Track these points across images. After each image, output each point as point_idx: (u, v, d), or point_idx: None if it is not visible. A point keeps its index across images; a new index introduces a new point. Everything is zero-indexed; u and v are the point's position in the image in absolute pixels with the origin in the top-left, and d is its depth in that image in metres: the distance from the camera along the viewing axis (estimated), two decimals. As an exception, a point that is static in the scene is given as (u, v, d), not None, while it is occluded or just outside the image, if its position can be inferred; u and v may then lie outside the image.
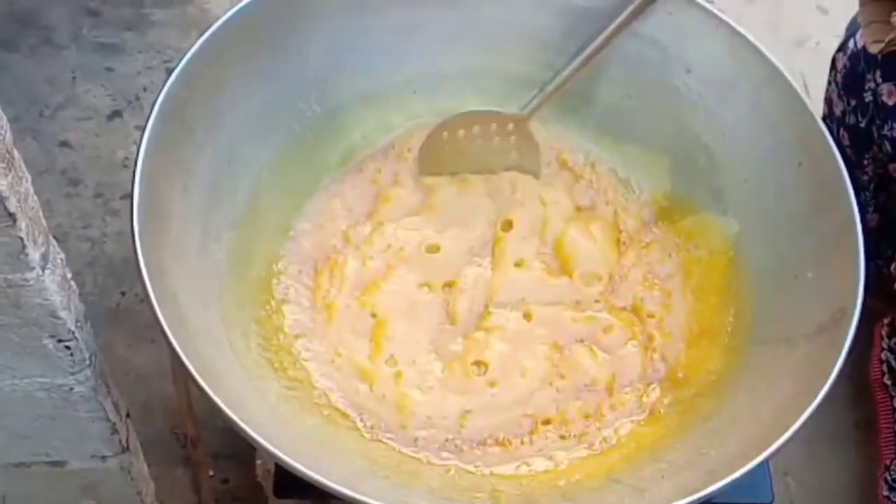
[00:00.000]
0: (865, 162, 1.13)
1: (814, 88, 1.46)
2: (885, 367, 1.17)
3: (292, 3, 0.95)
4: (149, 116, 0.83)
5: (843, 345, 0.79)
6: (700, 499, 0.72)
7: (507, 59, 1.03)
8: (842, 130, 1.13)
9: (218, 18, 0.90)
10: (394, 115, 1.04)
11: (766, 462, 0.75)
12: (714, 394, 0.88)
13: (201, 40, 0.88)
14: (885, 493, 1.14)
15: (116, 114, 1.50)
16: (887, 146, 1.08)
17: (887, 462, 1.14)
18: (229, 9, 0.91)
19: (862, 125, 1.09)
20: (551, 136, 1.04)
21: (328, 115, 1.00)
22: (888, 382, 1.17)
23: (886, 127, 1.06)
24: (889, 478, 1.13)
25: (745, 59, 0.95)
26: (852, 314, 0.80)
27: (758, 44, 0.94)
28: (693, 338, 0.93)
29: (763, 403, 0.82)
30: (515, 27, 1.02)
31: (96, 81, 1.53)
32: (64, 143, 1.47)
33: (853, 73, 1.08)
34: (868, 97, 1.07)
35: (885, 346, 1.17)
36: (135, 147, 0.82)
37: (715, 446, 0.81)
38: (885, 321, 1.16)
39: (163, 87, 0.85)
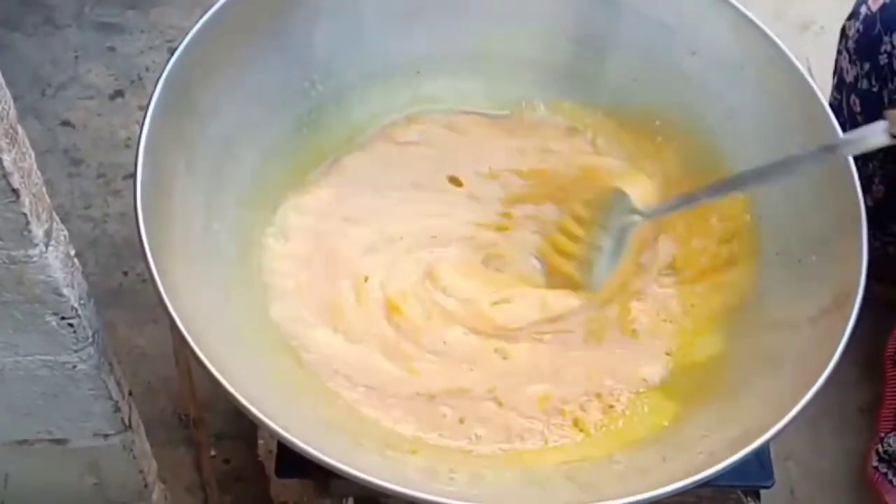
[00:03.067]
0: None
1: (819, 72, 1.44)
2: None
3: (295, -17, 0.94)
4: (151, 96, 0.83)
5: (845, 329, 0.79)
6: (701, 480, 0.72)
7: (511, 41, 1.03)
8: (853, 97, 1.12)
9: (220, -3, 0.90)
10: (398, 94, 1.03)
11: (767, 445, 0.75)
12: (716, 377, 0.88)
13: (204, 19, 0.88)
14: (875, 463, 1.14)
15: (119, 93, 1.50)
16: None
17: (882, 434, 1.14)
18: (233, -13, 0.90)
19: (874, 89, 1.09)
20: (558, 118, 1.04)
21: (332, 95, 1.00)
22: None
23: None
24: (881, 449, 1.13)
25: (750, 42, 0.94)
26: (855, 298, 0.80)
27: (763, 26, 0.94)
28: (696, 321, 0.93)
29: (765, 387, 0.82)
30: (520, 9, 1.02)
31: (98, 61, 1.53)
32: (66, 123, 1.47)
33: (867, 36, 1.08)
34: (883, 60, 1.06)
35: None
36: (137, 127, 0.82)
37: (716, 429, 0.80)
38: None
39: (165, 66, 0.84)
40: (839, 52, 1.15)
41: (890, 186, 1.14)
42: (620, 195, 0.94)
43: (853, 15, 1.10)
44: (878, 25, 1.06)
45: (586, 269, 0.94)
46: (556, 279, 0.96)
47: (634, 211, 0.93)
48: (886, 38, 1.05)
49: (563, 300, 0.94)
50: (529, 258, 0.98)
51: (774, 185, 0.89)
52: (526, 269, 0.97)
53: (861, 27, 1.08)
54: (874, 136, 0.80)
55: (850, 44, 1.10)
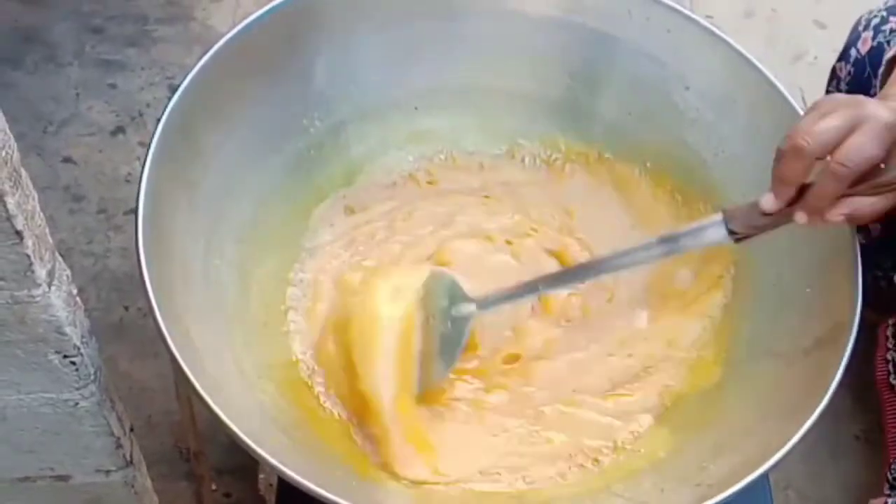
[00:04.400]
0: None
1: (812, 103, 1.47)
2: (890, 367, 1.17)
3: (295, 21, 0.96)
4: (153, 132, 0.84)
5: (841, 359, 0.79)
6: (700, 512, 0.73)
7: (507, 76, 1.04)
8: None
9: (221, 35, 0.91)
10: (396, 130, 1.04)
11: (766, 475, 0.76)
12: (713, 408, 0.88)
13: (205, 58, 0.89)
14: (887, 490, 1.14)
15: (120, 130, 1.51)
16: None
17: (891, 461, 1.14)
18: (232, 25, 0.92)
19: None
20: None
21: (330, 131, 1.01)
22: (894, 383, 1.17)
23: None
24: (890, 477, 1.13)
25: (742, 76, 0.95)
26: (850, 328, 0.80)
27: (755, 60, 0.95)
28: (691, 353, 0.93)
29: (762, 417, 0.83)
30: (516, 45, 1.03)
31: (99, 98, 1.54)
32: (67, 160, 1.48)
33: (859, 79, 1.09)
34: None
35: (890, 346, 1.17)
36: (138, 163, 0.83)
37: (715, 460, 0.81)
38: (891, 321, 1.16)
39: (167, 104, 0.86)
40: (829, 93, 1.16)
41: (886, 224, 1.15)
42: (447, 280, 0.88)
43: (843, 57, 1.12)
44: (868, 69, 1.07)
45: (427, 363, 0.87)
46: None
47: (466, 299, 0.87)
48: (875, 82, 1.06)
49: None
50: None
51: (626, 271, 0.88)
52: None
53: (852, 70, 1.09)
54: (713, 233, 0.80)
55: (843, 86, 1.12)
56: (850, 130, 0.73)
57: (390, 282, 0.89)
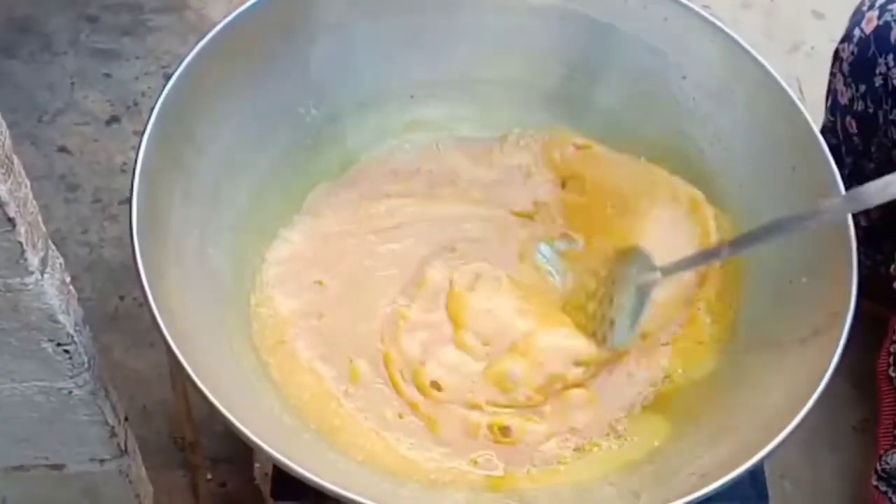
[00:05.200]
0: (872, 149, 1.13)
1: (810, 93, 1.46)
2: (891, 360, 1.18)
3: (290, 9, 0.95)
4: (147, 121, 0.83)
5: (836, 348, 0.79)
6: (695, 500, 0.73)
7: (504, 66, 1.04)
8: (849, 118, 1.13)
9: (216, 24, 0.90)
10: (392, 120, 1.04)
11: (761, 464, 0.76)
12: (708, 397, 0.88)
13: (199, 46, 0.89)
14: (875, 482, 1.14)
15: (115, 119, 1.51)
16: (892, 132, 1.08)
17: (881, 452, 1.15)
18: (227, 14, 0.91)
19: (870, 111, 1.10)
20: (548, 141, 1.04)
21: (326, 120, 1.00)
22: (893, 374, 1.18)
23: (894, 112, 1.07)
24: (880, 468, 1.14)
25: (740, 65, 0.95)
26: (846, 318, 0.81)
27: (752, 50, 0.95)
28: (687, 343, 0.94)
29: (758, 407, 0.83)
30: (513, 34, 1.02)
31: (94, 87, 1.54)
32: (62, 149, 1.47)
33: (862, 58, 1.09)
34: (878, 81, 1.07)
35: (895, 338, 1.17)
36: (133, 152, 0.82)
37: (709, 449, 0.81)
38: None
39: (161, 92, 0.85)
40: (833, 75, 1.15)
41: (886, 208, 1.15)
42: (639, 253, 0.92)
43: (847, 37, 1.11)
44: (873, 47, 1.07)
45: (608, 328, 0.92)
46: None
47: (653, 268, 0.91)
48: (881, 60, 1.06)
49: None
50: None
51: (796, 238, 0.86)
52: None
53: (856, 49, 1.09)
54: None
55: (845, 66, 1.11)
56: None
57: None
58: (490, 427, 0.89)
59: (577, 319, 0.94)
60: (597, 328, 0.92)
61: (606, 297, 0.93)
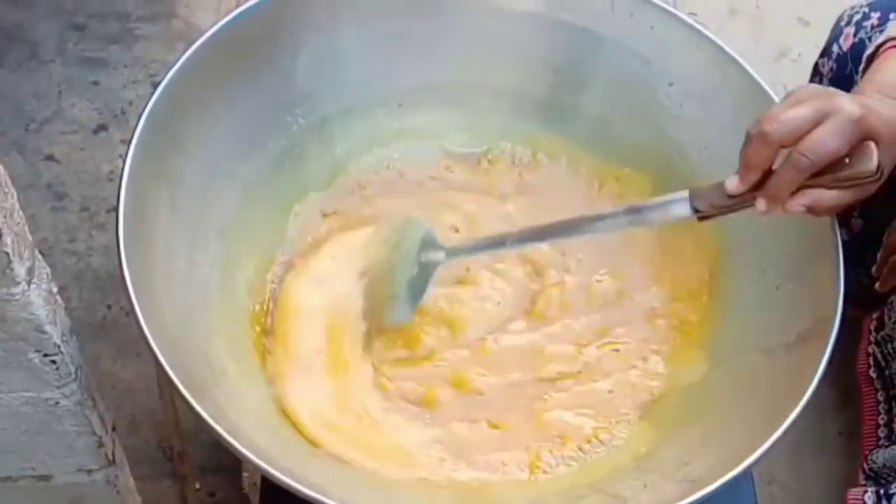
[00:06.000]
0: None
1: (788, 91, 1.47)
2: (871, 361, 1.18)
3: (277, 17, 0.95)
4: (135, 130, 0.83)
5: (823, 354, 0.79)
6: (683, 508, 0.73)
7: (492, 72, 1.04)
8: None
9: (203, 32, 0.90)
10: (380, 127, 1.04)
11: (749, 471, 0.76)
12: (696, 404, 0.88)
13: (187, 54, 0.89)
14: (862, 481, 1.15)
15: (102, 127, 1.51)
16: None
17: (866, 452, 1.15)
18: (215, 22, 0.91)
19: None
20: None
21: (314, 128, 1.00)
22: (873, 375, 1.18)
23: None
24: (866, 467, 1.14)
25: (726, 73, 0.96)
26: (832, 323, 0.81)
27: (738, 57, 0.95)
28: (674, 349, 0.94)
29: (745, 413, 0.83)
30: (501, 42, 1.03)
31: (82, 95, 1.54)
32: (49, 157, 1.47)
33: (841, 74, 1.09)
34: None
35: (872, 339, 1.18)
36: (120, 161, 0.82)
37: (697, 456, 0.81)
38: (874, 315, 1.17)
39: (149, 100, 0.85)
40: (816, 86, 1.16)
41: (868, 220, 1.16)
42: (425, 228, 0.92)
43: (826, 53, 1.12)
44: (850, 65, 1.08)
45: (390, 302, 0.91)
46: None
47: (439, 247, 0.91)
48: (857, 77, 1.07)
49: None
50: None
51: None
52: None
53: (834, 66, 1.10)
54: (678, 208, 0.81)
55: (825, 82, 1.12)
56: (817, 122, 0.74)
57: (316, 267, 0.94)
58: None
59: (370, 291, 0.93)
60: (382, 302, 0.91)
61: (392, 271, 0.92)
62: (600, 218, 0.86)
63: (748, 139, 0.77)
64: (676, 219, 0.82)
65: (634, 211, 0.83)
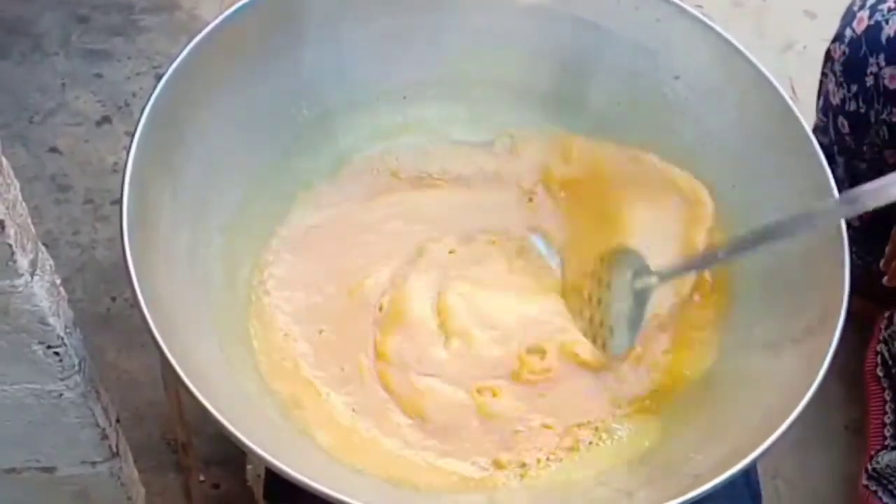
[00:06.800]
0: (864, 149, 1.13)
1: (802, 93, 1.47)
2: (879, 359, 1.18)
3: (281, 9, 0.95)
4: (138, 122, 0.83)
5: (829, 348, 0.79)
6: (687, 501, 0.73)
7: (497, 67, 1.03)
8: (841, 119, 1.13)
9: (207, 24, 0.90)
10: (384, 120, 1.04)
11: (754, 465, 0.76)
12: (701, 397, 0.88)
13: (190, 46, 0.88)
14: (865, 481, 1.14)
15: (106, 119, 1.51)
16: (884, 131, 1.08)
17: (872, 452, 1.15)
18: (218, 14, 0.91)
19: (862, 111, 1.10)
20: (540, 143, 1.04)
21: (318, 121, 1.00)
22: (880, 374, 1.18)
23: (886, 112, 1.07)
24: (870, 467, 1.14)
25: (732, 66, 0.95)
26: (838, 317, 0.81)
27: (745, 50, 0.95)
28: (680, 343, 0.94)
29: (750, 407, 0.83)
30: (506, 35, 1.02)
31: (86, 87, 1.54)
32: (53, 150, 1.47)
33: (853, 58, 1.09)
34: (870, 81, 1.07)
35: (881, 337, 1.18)
36: (124, 153, 0.82)
37: (702, 450, 0.81)
38: (886, 314, 1.17)
39: (152, 92, 0.85)
40: (824, 75, 1.16)
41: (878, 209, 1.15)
42: (633, 256, 0.91)
43: (838, 38, 1.11)
44: (864, 47, 1.07)
45: (608, 334, 0.91)
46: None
47: (649, 272, 0.90)
48: (872, 60, 1.06)
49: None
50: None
51: (796, 240, 0.85)
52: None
53: (847, 50, 1.09)
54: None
55: (837, 66, 1.11)
56: None
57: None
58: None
59: (578, 325, 0.93)
60: (596, 334, 0.92)
61: (603, 303, 0.92)
62: (812, 216, 0.83)
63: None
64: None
65: (852, 199, 0.79)
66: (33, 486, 0.92)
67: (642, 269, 0.90)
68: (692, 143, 0.98)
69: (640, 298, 0.90)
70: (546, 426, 0.89)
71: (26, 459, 0.89)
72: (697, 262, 0.91)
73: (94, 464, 0.90)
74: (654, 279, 0.89)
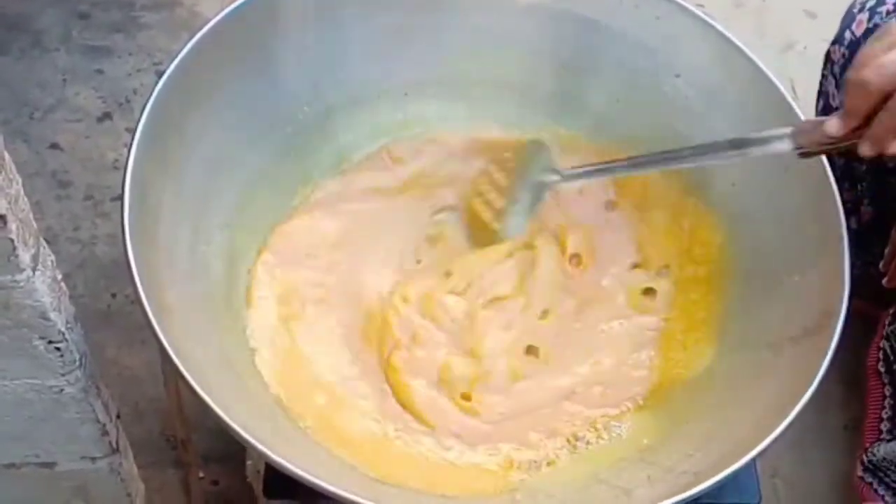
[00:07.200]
0: None
1: (802, 92, 1.47)
2: (881, 355, 1.18)
3: (282, 6, 0.95)
4: (139, 118, 0.83)
5: (828, 347, 0.79)
6: (686, 499, 0.73)
7: (497, 64, 1.03)
8: None
9: (208, 21, 0.90)
10: (385, 118, 1.04)
11: (753, 463, 0.76)
12: (700, 396, 0.88)
13: (191, 43, 0.88)
14: (860, 473, 1.15)
15: (106, 116, 1.51)
16: None
17: (867, 445, 1.15)
18: (219, 11, 0.91)
19: None
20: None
21: (319, 118, 1.00)
22: (882, 370, 1.18)
23: None
24: (865, 459, 1.14)
25: (732, 64, 0.95)
26: (838, 317, 0.81)
27: (745, 48, 0.95)
28: (679, 341, 0.94)
29: (749, 406, 0.83)
30: (505, 33, 1.02)
31: (86, 84, 1.54)
32: (54, 146, 1.47)
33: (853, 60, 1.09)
34: None
35: (884, 333, 1.18)
36: (125, 149, 0.82)
37: (701, 448, 0.81)
38: (891, 311, 1.17)
39: (153, 89, 0.85)
40: (824, 77, 1.15)
41: (878, 209, 1.16)
42: (543, 149, 0.95)
43: (838, 40, 1.11)
44: None
45: (501, 219, 0.96)
46: (476, 231, 0.98)
47: (554, 170, 0.94)
48: None
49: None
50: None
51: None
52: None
53: (847, 52, 1.09)
54: (779, 143, 0.80)
55: (836, 69, 1.11)
56: None
57: None
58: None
59: (476, 206, 0.97)
60: (494, 215, 0.95)
61: (506, 188, 0.96)
62: (704, 149, 0.87)
63: (848, 86, 0.76)
64: (777, 153, 0.82)
65: (737, 144, 0.83)
66: (33, 482, 0.92)
67: (548, 164, 0.94)
68: (692, 141, 0.98)
69: (539, 190, 0.94)
70: (544, 426, 0.89)
71: (26, 455, 0.89)
72: (603, 169, 0.94)
73: (93, 459, 0.90)
74: (556, 177, 0.94)
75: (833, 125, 0.77)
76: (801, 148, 0.80)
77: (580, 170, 0.94)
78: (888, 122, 0.74)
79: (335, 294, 0.95)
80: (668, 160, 0.90)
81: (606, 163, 0.94)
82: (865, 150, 0.76)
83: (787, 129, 0.81)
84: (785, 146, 0.80)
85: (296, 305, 0.93)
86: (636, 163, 0.91)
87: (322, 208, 0.99)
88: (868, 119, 0.76)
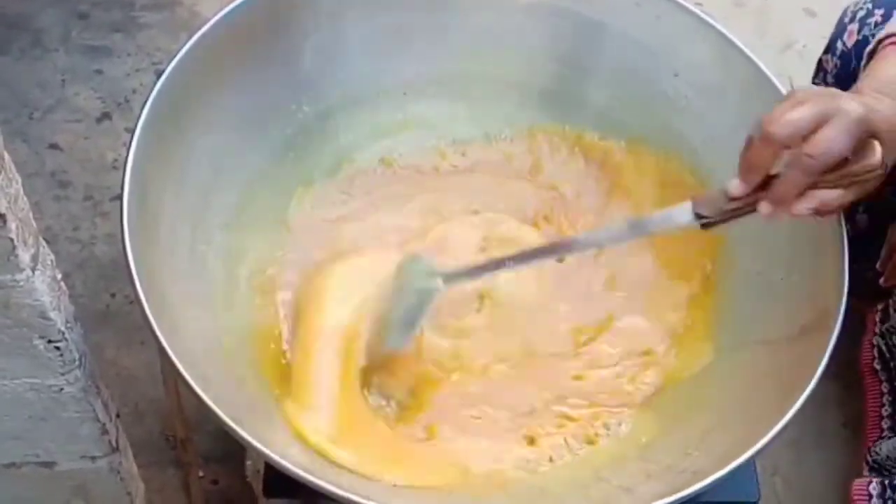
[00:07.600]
0: None
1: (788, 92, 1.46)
2: (875, 352, 1.18)
3: (281, 6, 0.95)
4: (138, 118, 0.83)
5: (827, 347, 0.79)
6: (685, 497, 0.73)
7: (497, 63, 1.04)
8: None
9: (207, 21, 0.90)
10: (384, 118, 1.04)
11: (752, 461, 0.76)
12: (699, 395, 0.89)
13: (190, 42, 0.88)
14: (866, 472, 1.15)
15: (106, 116, 1.51)
16: None
17: (869, 444, 1.15)
18: (218, 11, 0.91)
19: None
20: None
21: (318, 118, 1.00)
22: (878, 367, 1.18)
23: None
24: (870, 458, 1.14)
25: (732, 63, 0.95)
26: (836, 316, 0.81)
27: (745, 48, 0.95)
28: (678, 340, 0.94)
29: (748, 404, 0.83)
30: (506, 32, 1.03)
31: (86, 84, 1.54)
32: (53, 146, 1.47)
33: (845, 71, 1.09)
34: None
35: (877, 331, 1.18)
36: (124, 149, 0.82)
37: (700, 446, 0.81)
38: (879, 307, 1.17)
39: (152, 89, 0.85)
40: (817, 86, 1.16)
41: (873, 217, 1.16)
42: (423, 261, 0.91)
43: (829, 50, 1.12)
44: (854, 61, 1.07)
45: (386, 329, 0.90)
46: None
47: (435, 274, 0.89)
48: (861, 75, 1.06)
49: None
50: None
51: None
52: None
53: (839, 62, 1.09)
54: (680, 216, 0.80)
55: (829, 78, 1.12)
56: (819, 123, 0.73)
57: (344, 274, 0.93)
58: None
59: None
60: (380, 329, 0.90)
61: (392, 301, 0.90)
62: (604, 233, 0.88)
63: (749, 141, 0.76)
64: (680, 228, 0.81)
65: (638, 225, 0.84)
66: (33, 481, 0.92)
67: (429, 272, 0.89)
68: (692, 141, 0.99)
69: (422, 299, 0.89)
70: (544, 425, 0.89)
71: (26, 454, 0.89)
72: (486, 267, 0.89)
73: (93, 459, 0.90)
74: (438, 282, 0.88)
75: (733, 186, 0.77)
76: (703, 218, 0.79)
77: (460, 272, 0.90)
78: (791, 179, 0.74)
79: (337, 295, 0.94)
80: (564, 248, 0.90)
81: (493, 260, 0.90)
82: (766, 209, 0.76)
83: (688, 203, 0.80)
84: (686, 219, 0.80)
85: (297, 306, 0.93)
86: (526, 256, 0.88)
87: (322, 208, 0.99)
88: (766, 179, 0.76)
